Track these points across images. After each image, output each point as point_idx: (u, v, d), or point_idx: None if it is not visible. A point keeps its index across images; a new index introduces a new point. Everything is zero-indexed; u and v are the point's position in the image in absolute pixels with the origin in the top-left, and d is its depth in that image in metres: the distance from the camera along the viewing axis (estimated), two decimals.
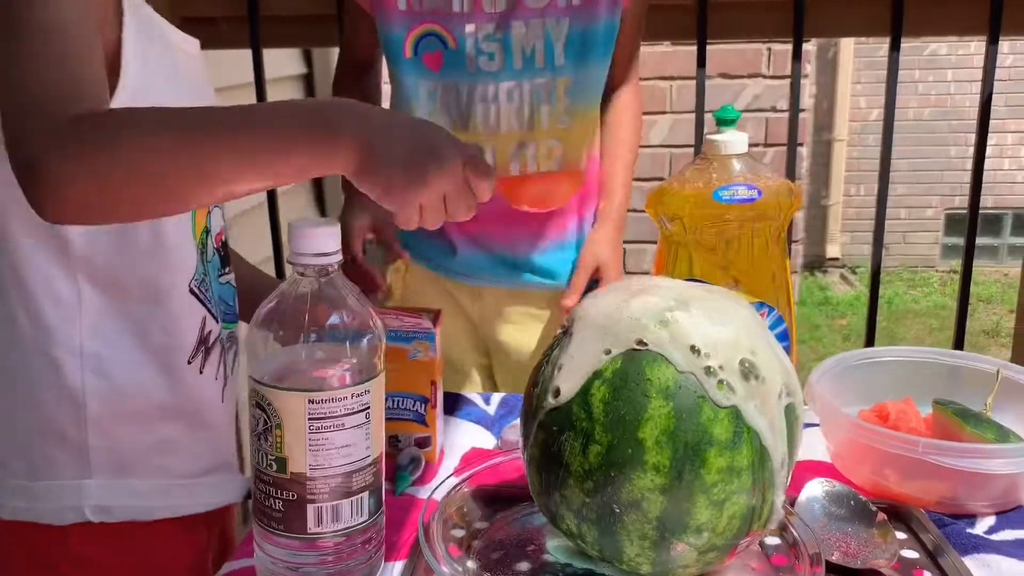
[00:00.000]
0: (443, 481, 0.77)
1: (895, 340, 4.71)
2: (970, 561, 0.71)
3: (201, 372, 0.84)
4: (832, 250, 5.97)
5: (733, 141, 0.83)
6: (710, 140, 0.84)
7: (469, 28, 1.07)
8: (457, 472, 0.79)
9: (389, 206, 0.65)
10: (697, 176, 0.83)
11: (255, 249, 1.91)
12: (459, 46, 1.08)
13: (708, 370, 0.61)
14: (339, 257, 0.64)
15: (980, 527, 0.76)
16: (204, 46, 1.70)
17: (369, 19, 1.14)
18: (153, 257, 0.79)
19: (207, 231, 0.85)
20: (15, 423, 0.80)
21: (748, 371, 0.62)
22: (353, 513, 0.65)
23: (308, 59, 2.33)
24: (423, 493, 0.83)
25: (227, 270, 0.90)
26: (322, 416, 0.62)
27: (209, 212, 0.86)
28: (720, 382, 0.61)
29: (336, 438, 0.63)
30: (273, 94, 1.60)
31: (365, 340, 0.65)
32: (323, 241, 0.63)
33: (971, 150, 1.59)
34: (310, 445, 0.63)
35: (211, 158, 0.63)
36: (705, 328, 0.62)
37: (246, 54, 1.56)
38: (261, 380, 0.63)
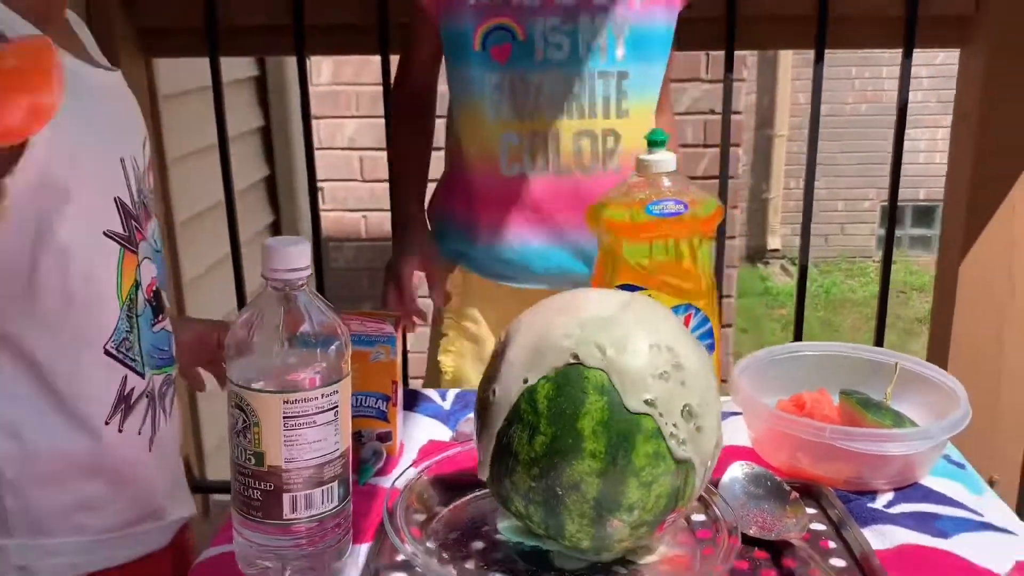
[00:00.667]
0: (404, 471, 0.85)
1: (833, 328, 4.90)
2: (869, 532, 0.81)
3: (120, 431, 0.83)
4: (773, 241, 6.16)
5: (663, 161, 0.92)
6: (642, 160, 0.93)
7: (539, 20, 1.15)
8: (416, 463, 0.87)
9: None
10: (632, 192, 0.92)
11: (208, 253, 1.96)
12: (528, 38, 1.16)
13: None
14: (309, 271, 0.71)
15: (880, 502, 0.87)
16: (160, 54, 1.73)
17: (432, 25, 1.23)
18: (63, 322, 0.78)
19: (136, 285, 0.84)
20: None
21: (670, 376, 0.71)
22: (324, 500, 0.73)
23: (261, 62, 2.38)
24: (385, 483, 0.90)
25: (160, 318, 0.88)
26: (296, 415, 0.70)
27: (139, 264, 0.84)
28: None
29: (308, 434, 0.70)
30: (227, 97, 1.64)
31: (333, 346, 0.72)
32: (295, 258, 0.70)
33: (907, 144, 1.71)
34: (285, 441, 0.70)
35: None
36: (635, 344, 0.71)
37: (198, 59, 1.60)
38: (240, 383, 0.71)
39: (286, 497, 0.71)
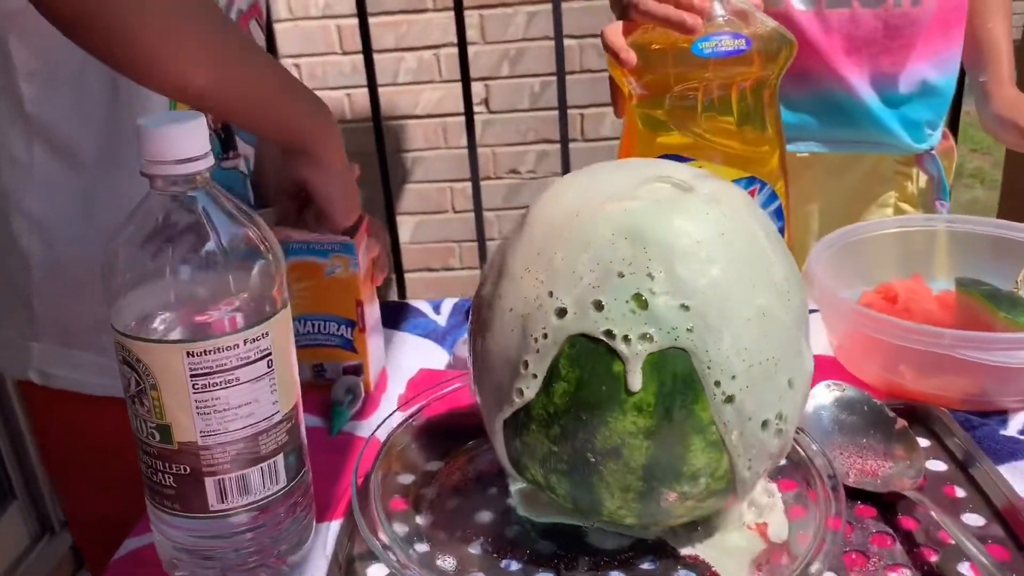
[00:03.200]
0: (387, 418, 0.65)
1: None
2: (1007, 470, 0.61)
3: None
4: None
5: None
6: None
7: None
8: (403, 402, 0.67)
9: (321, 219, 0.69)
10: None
11: None
12: None
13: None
14: (210, 161, 0.48)
15: (1014, 426, 0.66)
16: None
17: None
18: (111, 121, 0.72)
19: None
20: None
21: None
22: (266, 482, 0.52)
23: None
24: (364, 431, 0.70)
25: (230, 155, 0.81)
26: (207, 372, 0.48)
27: None
28: None
29: (230, 396, 0.49)
30: None
31: (256, 267, 0.50)
32: (186, 143, 0.47)
33: None
34: (197, 409, 0.49)
35: (225, 57, 0.61)
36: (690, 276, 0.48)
37: None
38: (124, 331, 0.49)
39: (209, 483, 0.51)
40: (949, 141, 1.06)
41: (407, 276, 2.39)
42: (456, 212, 2.39)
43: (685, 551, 0.54)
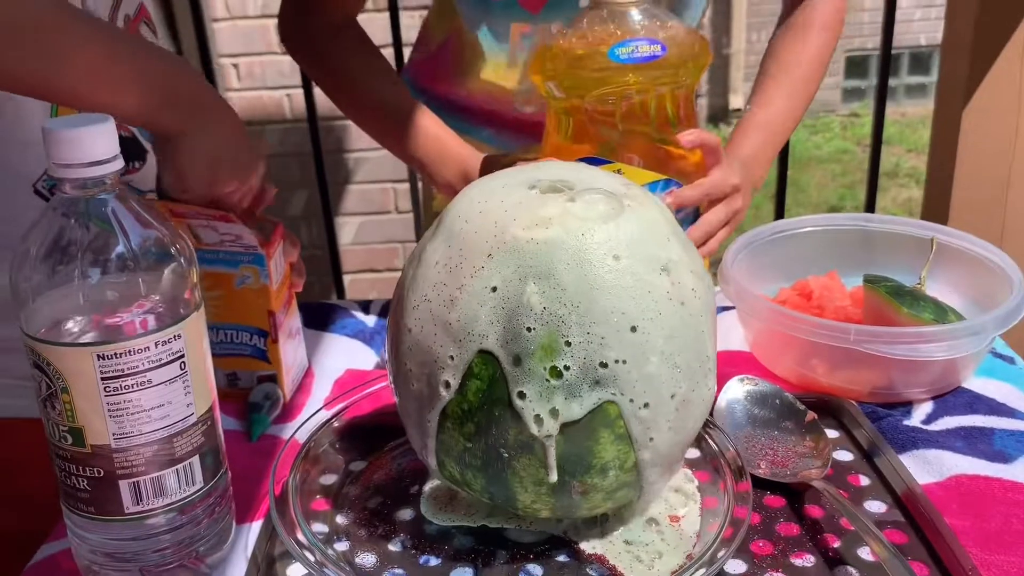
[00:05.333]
0: (309, 417, 0.65)
1: (800, 187, 4.74)
2: (909, 459, 0.64)
3: None
4: (735, 100, 5.90)
5: None
6: None
7: None
8: (328, 403, 0.67)
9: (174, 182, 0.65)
10: (588, 31, 0.69)
11: None
12: None
13: None
14: (119, 163, 0.48)
15: (917, 416, 0.69)
16: None
17: None
18: None
19: None
20: None
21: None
22: (183, 483, 0.52)
23: None
24: (286, 433, 0.70)
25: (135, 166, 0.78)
26: (118, 374, 0.48)
27: None
28: None
29: (142, 399, 0.49)
30: None
31: (168, 269, 0.50)
32: (94, 145, 0.47)
33: None
34: (109, 411, 0.49)
35: (65, 55, 0.56)
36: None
37: None
38: (34, 335, 0.49)
39: (124, 485, 0.51)
40: None
41: (351, 277, 2.39)
42: (399, 212, 2.39)
43: (592, 544, 0.55)
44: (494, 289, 0.49)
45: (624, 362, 0.48)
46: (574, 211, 0.50)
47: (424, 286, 0.52)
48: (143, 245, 0.49)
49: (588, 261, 0.48)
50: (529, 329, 0.48)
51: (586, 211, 0.50)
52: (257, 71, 2.23)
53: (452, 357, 0.50)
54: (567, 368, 0.48)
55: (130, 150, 0.78)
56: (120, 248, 0.48)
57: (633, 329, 0.48)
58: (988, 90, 1.41)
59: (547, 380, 0.48)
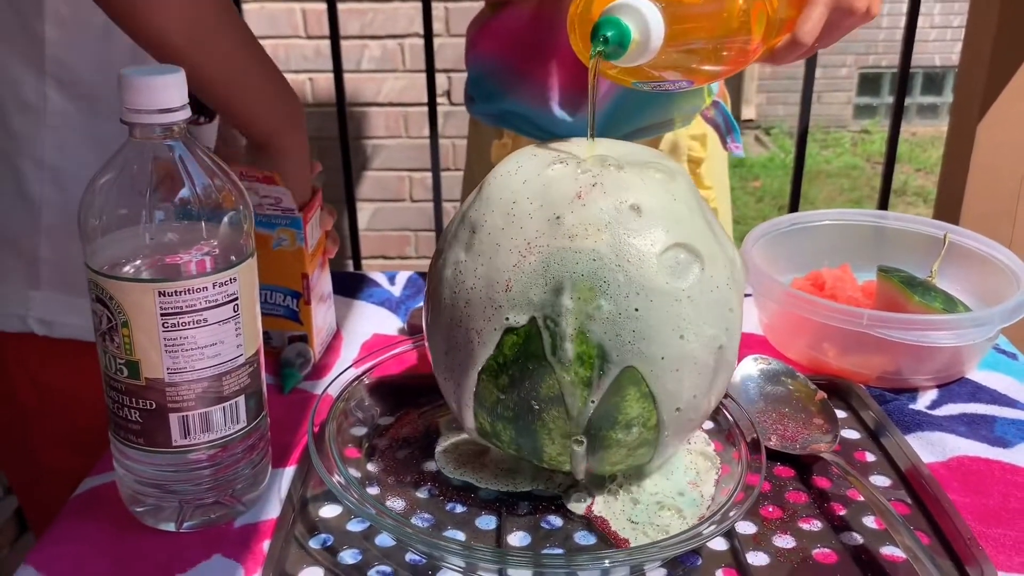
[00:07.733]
0: (340, 374, 0.68)
1: (807, 200, 4.77)
2: (914, 440, 0.66)
3: None
4: (747, 112, 5.93)
5: None
6: None
7: None
8: (356, 363, 0.70)
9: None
10: None
11: None
12: None
13: None
14: (187, 113, 0.51)
15: (922, 402, 0.72)
16: None
17: None
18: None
19: None
20: None
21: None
22: (228, 421, 0.55)
23: None
24: (317, 389, 0.73)
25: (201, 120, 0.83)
26: (177, 311, 0.51)
27: None
28: None
29: (197, 336, 0.52)
30: None
31: (227, 217, 0.53)
32: (166, 93, 0.50)
33: (887, 7, 1.50)
34: (166, 346, 0.52)
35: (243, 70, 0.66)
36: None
37: None
38: (99, 270, 0.52)
39: (174, 419, 0.54)
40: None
41: (363, 263, 2.41)
42: (414, 201, 2.42)
43: (604, 503, 0.58)
44: (536, 254, 0.52)
45: (654, 329, 0.51)
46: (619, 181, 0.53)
47: (468, 248, 0.55)
48: (206, 191, 0.52)
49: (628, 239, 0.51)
50: (567, 292, 0.51)
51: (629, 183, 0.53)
52: (281, 54, 2.26)
53: (492, 316, 0.53)
54: (602, 330, 0.51)
55: (198, 103, 0.81)
56: (185, 192, 0.51)
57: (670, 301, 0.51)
58: (1004, 105, 1.44)
59: (582, 336, 0.51)
